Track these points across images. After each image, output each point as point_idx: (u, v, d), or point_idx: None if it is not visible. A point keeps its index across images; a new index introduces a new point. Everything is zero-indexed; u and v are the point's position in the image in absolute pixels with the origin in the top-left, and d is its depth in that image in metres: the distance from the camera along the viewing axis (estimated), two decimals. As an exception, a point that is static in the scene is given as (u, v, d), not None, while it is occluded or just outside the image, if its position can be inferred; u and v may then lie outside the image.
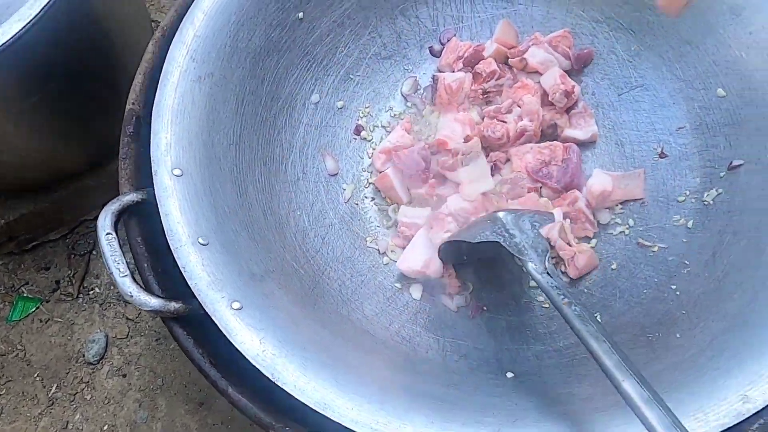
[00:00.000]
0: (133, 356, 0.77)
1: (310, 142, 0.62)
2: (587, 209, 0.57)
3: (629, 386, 0.35)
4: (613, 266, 0.55)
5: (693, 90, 0.58)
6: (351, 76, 0.66)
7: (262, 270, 0.47)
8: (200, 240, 0.44)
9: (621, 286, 0.54)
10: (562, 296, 0.41)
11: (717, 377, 0.38)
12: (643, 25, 0.61)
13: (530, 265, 0.44)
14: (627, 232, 0.57)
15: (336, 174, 0.63)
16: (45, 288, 0.81)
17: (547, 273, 0.43)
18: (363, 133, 0.65)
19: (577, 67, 0.64)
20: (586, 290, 0.55)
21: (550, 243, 0.54)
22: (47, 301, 0.80)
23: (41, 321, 0.80)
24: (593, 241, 0.57)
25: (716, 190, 0.54)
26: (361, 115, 0.66)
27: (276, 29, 0.59)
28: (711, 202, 0.54)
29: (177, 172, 0.47)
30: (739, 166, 0.52)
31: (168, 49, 0.51)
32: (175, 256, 0.43)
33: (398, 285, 0.56)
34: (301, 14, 0.61)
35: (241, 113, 0.55)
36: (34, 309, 0.80)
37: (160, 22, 0.90)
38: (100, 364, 0.77)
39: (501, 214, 0.50)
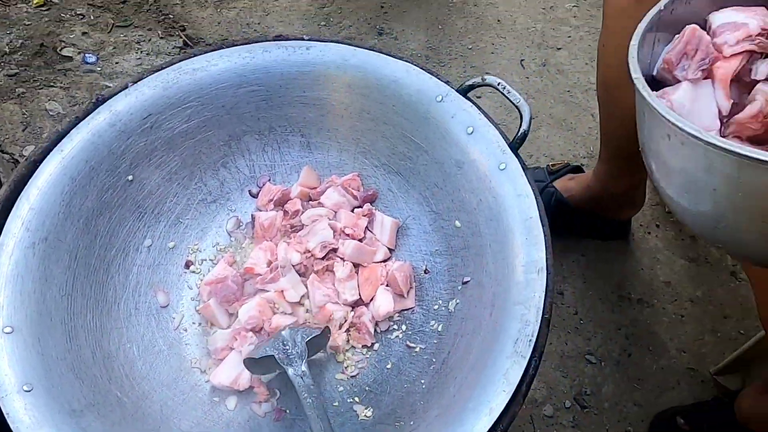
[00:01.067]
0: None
1: (143, 281, 0.74)
2: (370, 323, 0.71)
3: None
4: (389, 366, 0.70)
5: (442, 221, 0.76)
6: (181, 220, 0.79)
7: (83, 405, 0.57)
8: (24, 387, 0.54)
9: (391, 383, 0.68)
10: (306, 395, 0.56)
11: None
12: (407, 171, 0.79)
13: (290, 371, 0.59)
14: (401, 336, 0.72)
15: (167, 306, 0.74)
16: None
17: (301, 376, 0.59)
18: (192, 267, 0.78)
19: (364, 203, 0.81)
20: (367, 387, 0.69)
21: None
22: None
23: None
24: (376, 345, 0.72)
25: (456, 300, 0.70)
26: (191, 251, 0.79)
27: (107, 192, 0.72)
28: (453, 309, 0.70)
29: (8, 330, 0.57)
30: (468, 282, 0.69)
31: (2, 222, 0.62)
32: (0, 405, 0.53)
33: (216, 398, 0.68)
34: (130, 177, 0.74)
35: (73, 267, 0.67)
36: None
37: (17, 159, 1.00)
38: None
39: (284, 332, 0.64)
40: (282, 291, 0.73)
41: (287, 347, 0.63)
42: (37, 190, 0.66)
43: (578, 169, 1.06)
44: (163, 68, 0.75)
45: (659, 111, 0.44)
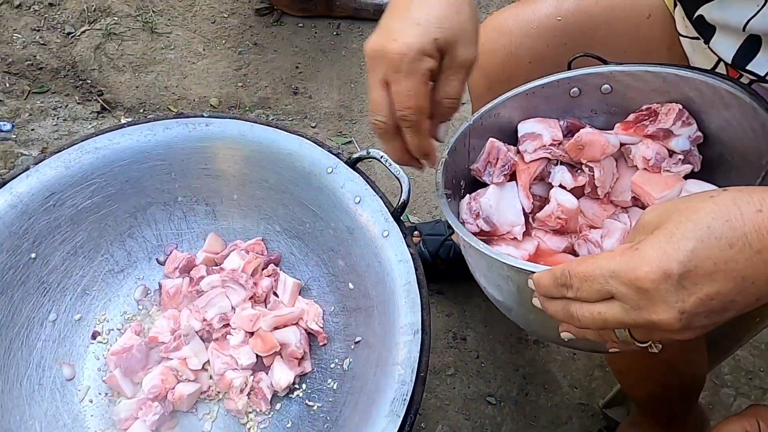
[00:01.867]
0: None
1: (47, 355, 0.76)
2: (268, 390, 0.75)
3: None
4: (288, 425, 0.74)
5: (338, 282, 0.81)
6: (88, 292, 0.82)
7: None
8: None
9: (291, 441, 0.73)
10: None
11: None
12: (306, 235, 0.84)
13: None
14: (301, 395, 0.77)
15: (72, 378, 0.76)
16: None
17: None
18: (99, 338, 0.80)
19: (268, 266, 0.85)
20: (268, 449, 0.73)
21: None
22: None
23: None
24: (278, 405, 0.76)
25: (349, 359, 0.76)
26: (98, 321, 0.81)
27: (9, 271, 0.74)
28: (347, 368, 0.75)
29: None
30: (359, 341, 0.75)
31: None
32: None
33: (120, 470, 0.70)
34: (33, 255, 0.76)
35: (-28, 350, 0.68)
36: None
37: None
38: None
39: None
40: (185, 359, 0.76)
41: None
42: (-67, 276, 0.67)
43: None
44: (64, 149, 0.79)
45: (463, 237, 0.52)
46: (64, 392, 0.75)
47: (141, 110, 1.34)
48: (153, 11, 1.52)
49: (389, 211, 0.76)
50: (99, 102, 1.33)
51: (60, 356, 0.77)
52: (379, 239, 0.75)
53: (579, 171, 0.59)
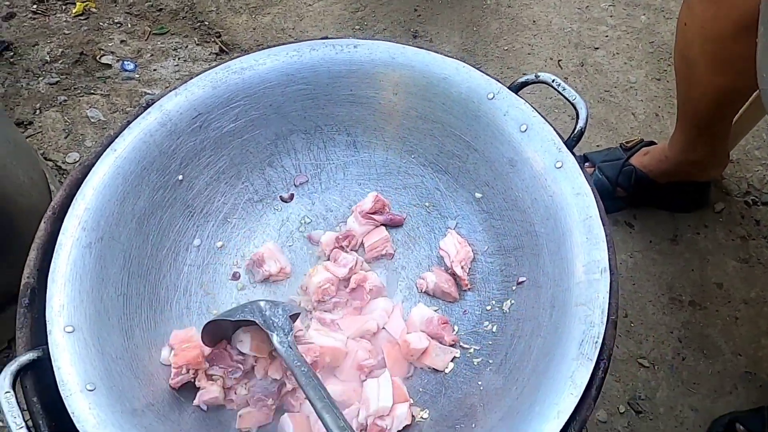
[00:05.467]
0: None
1: (193, 280, 0.74)
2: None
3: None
4: (450, 366, 0.69)
5: (493, 220, 0.75)
6: (229, 219, 0.79)
7: (143, 405, 0.57)
8: (88, 386, 0.54)
9: (446, 383, 0.67)
10: (297, 363, 0.57)
11: (486, 459, 0.51)
12: (455, 170, 0.78)
13: (275, 338, 0.59)
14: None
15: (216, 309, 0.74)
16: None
17: (289, 346, 0.59)
18: (238, 282, 0.76)
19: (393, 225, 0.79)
20: (421, 389, 0.68)
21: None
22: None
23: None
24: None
25: (510, 301, 0.69)
26: (234, 264, 0.77)
27: (159, 191, 0.72)
28: (507, 310, 0.69)
29: (69, 329, 0.57)
30: (523, 282, 0.68)
31: (59, 223, 0.63)
32: (65, 403, 0.53)
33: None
34: (180, 177, 0.74)
35: (128, 267, 0.67)
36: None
37: (60, 165, 1.01)
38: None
39: (261, 303, 0.64)
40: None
41: (267, 317, 0.62)
42: (92, 190, 0.66)
43: (653, 144, 1.05)
44: (212, 68, 0.75)
45: None
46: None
47: (258, 52, 1.31)
48: (268, -47, 1.48)
49: (562, 140, 0.68)
50: (217, 43, 1.31)
51: (204, 283, 0.75)
52: (551, 171, 0.67)
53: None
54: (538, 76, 0.71)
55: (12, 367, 0.53)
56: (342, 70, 0.78)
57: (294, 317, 0.65)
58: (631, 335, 0.91)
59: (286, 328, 0.62)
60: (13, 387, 0.52)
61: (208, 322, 0.63)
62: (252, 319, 0.62)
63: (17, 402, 0.51)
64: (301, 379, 0.56)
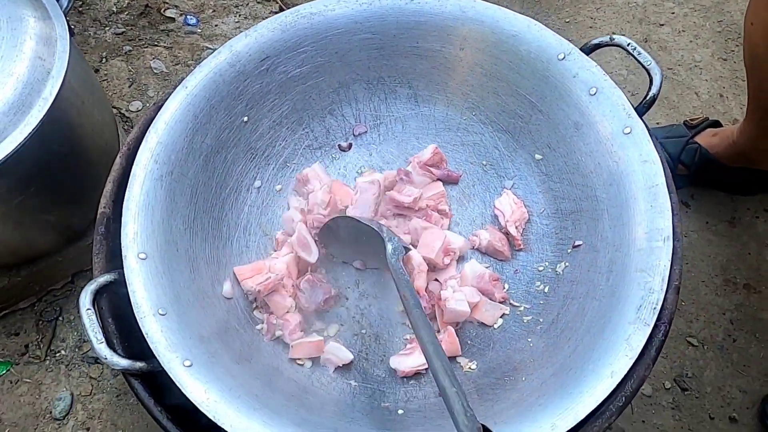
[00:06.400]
0: (96, 411, 0.88)
1: (252, 221, 0.76)
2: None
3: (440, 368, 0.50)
4: (497, 324, 0.70)
5: (552, 182, 0.74)
6: (288, 164, 0.80)
7: (209, 333, 0.60)
8: (160, 311, 0.57)
9: (494, 338, 0.69)
10: (405, 286, 0.61)
11: (538, 412, 0.53)
12: (517, 130, 0.78)
13: (389, 247, 0.65)
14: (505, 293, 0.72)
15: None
16: (15, 352, 0.91)
17: (398, 259, 0.64)
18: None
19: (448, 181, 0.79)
20: (469, 341, 0.70)
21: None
22: (17, 364, 0.90)
23: (11, 382, 0.90)
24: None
25: (565, 263, 0.70)
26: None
27: (225, 131, 0.73)
28: (561, 272, 0.70)
29: (142, 255, 0.60)
30: (579, 245, 0.69)
31: (132, 159, 0.65)
32: (140, 324, 0.56)
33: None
34: (245, 118, 0.75)
35: (194, 202, 0.69)
36: (5, 371, 0.90)
37: (124, 113, 1.04)
38: (65, 419, 0.87)
39: (383, 226, 0.69)
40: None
41: (384, 232, 0.67)
42: (164, 125, 0.68)
43: (717, 124, 1.04)
44: (282, 11, 0.75)
45: None
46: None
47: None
48: None
49: (632, 106, 0.67)
50: (278, 2, 1.31)
51: (263, 224, 0.77)
52: (618, 136, 0.67)
53: None
54: (613, 39, 0.69)
55: (91, 287, 0.56)
56: (410, 21, 0.77)
57: (406, 248, 0.70)
58: (681, 313, 0.91)
59: (399, 248, 0.67)
60: (93, 305, 0.55)
61: (335, 218, 0.70)
62: (376, 229, 0.68)
63: (97, 318, 0.54)
64: (404, 291, 0.60)
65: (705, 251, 0.96)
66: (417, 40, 0.78)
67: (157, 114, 0.68)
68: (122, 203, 0.62)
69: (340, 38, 0.77)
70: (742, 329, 0.90)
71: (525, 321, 0.69)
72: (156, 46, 1.22)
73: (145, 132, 0.67)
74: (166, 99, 0.69)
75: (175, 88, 0.70)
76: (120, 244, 0.60)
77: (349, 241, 0.72)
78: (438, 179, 0.79)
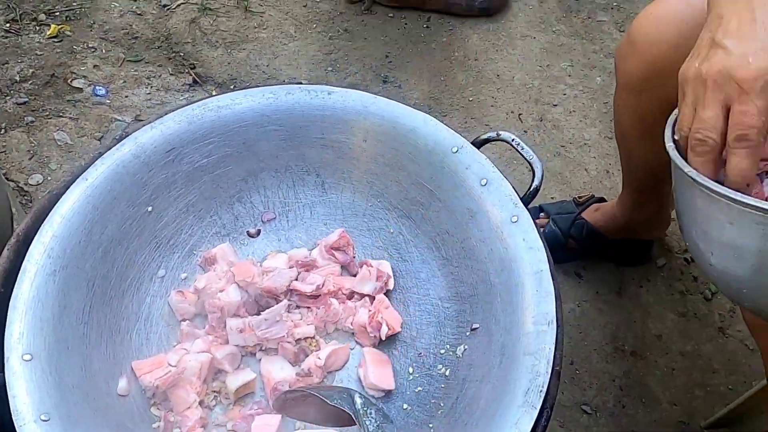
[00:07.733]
0: None
1: (155, 311, 0.75)
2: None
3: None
4: (405, 407, 0.71)
5: (452, 266, 0.78)
6: (194, 252, 0.80)
7: (97, 436, 0.57)
8: (42, 417, 0.54)
9: (398, 425, 0.69)
10: None
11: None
12: (419, 216, 0.82)
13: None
14: (410, 378, 0.74)
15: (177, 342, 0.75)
16: None
17: None
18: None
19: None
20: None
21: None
22: None
23: None
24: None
25: (464, 346, 0.72)
26: (202, 284, 0.79)
27: (127, 221, 0.73)
28: (460, 355, 0.72)
29: (27, 357, 0.57)
30: (477, 328, 0.72)
31: (21, 251, 0.63)
32: (18, 433, 0.53)
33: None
34: (150, 208, 0.75)
35: (90, 296, 0.67)
36: None
37: (22, 186, 1.01)
38: None
39: (356, 397, 0.62)
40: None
41: (357, 408, 0.60)
42: (60, 218, 0.67)
43: (602, 200, 1.13)
44: (189, 104, 0.78)
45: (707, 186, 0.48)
46: (168, 351, 0.73)
47: (231, 86, 1.34)
48: (247, -10, 1.52)
49: (518, 196, 0.72)
50: (191, 75, 1.33)
51: (165, 314, 0.75)
52: (507, 224, 0.72)
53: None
54: (499, 135, 0.76)
55: (-34, 394, 0.53)
56: (315, 114, 0.81)
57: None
58: (576, 382, 0.95)
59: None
60: (-33, 414, 0.52)
61: (293, 391, 0.62)
62: (347, 410, 0.59)
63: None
64: None
65: (596, 320, 1.02)
66: (323, 132, 0.82)
67: (52, 204, 0.67)
68: (7, 299, 0.59)
69: (248, 129, 0.80)
70: (629, 395, 0.95)
71: (427, 405, 0.70)
72: (61, 117, 1.20)
73: (39, 223, 0.65)
74: (64, 190, 0.69)
75: (73, 180, 0.70)
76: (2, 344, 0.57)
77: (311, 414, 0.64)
78: (341, 265, 0.81)
